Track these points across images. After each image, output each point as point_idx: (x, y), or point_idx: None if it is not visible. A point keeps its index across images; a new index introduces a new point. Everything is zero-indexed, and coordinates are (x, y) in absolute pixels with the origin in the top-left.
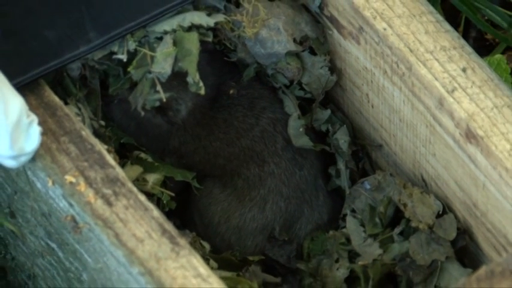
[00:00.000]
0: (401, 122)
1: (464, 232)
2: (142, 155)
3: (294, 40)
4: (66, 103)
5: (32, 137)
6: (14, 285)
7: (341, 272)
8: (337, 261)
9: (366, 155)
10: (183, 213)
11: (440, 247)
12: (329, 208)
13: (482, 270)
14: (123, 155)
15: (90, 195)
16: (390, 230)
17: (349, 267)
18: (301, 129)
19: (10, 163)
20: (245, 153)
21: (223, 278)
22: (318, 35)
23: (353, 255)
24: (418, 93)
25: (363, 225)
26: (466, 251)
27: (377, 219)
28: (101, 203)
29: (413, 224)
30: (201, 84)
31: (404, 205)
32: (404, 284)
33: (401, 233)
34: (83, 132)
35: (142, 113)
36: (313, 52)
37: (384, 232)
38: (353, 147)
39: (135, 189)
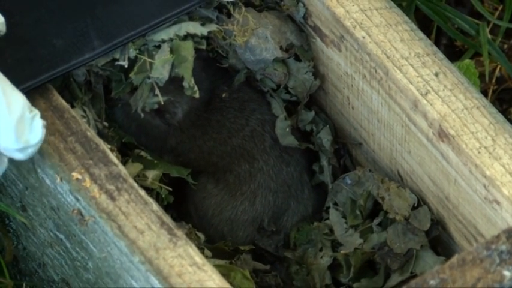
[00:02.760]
0: (379, 123)
1: (437, 223)
2: (143, 153)
3: (281, 48)
4: (72, 106)
5: (35, 130)
6: (25, 273)
7: (325, 260)
8: (321, 250)
9: (347, 153)
10: (180, 206)
11: (415, 237)
12: (313, 201)
13: (454, 259)
14: (125, 154)
15: (95, 190)
16: (369, 221)
17: (332, 255)
18: (287, 129)
19: (18, 155)
20: (236, 151)
21: (217, 266)
22: (302, 43)
23: (335, 245)
24: (395, 96)
25: (344, 217)
26: (439, 241)
27: (357, 212)
28: (104, 197)
29: (390, 216)
30: (196, 88)
31: (382, 198)
32: (383, 270)
33: (379, 224)
34: (88, 133)
35: (142, 115)
36: (298, 59)
37: (364, 223)
38: (335, 146)
39: (135, 184)
